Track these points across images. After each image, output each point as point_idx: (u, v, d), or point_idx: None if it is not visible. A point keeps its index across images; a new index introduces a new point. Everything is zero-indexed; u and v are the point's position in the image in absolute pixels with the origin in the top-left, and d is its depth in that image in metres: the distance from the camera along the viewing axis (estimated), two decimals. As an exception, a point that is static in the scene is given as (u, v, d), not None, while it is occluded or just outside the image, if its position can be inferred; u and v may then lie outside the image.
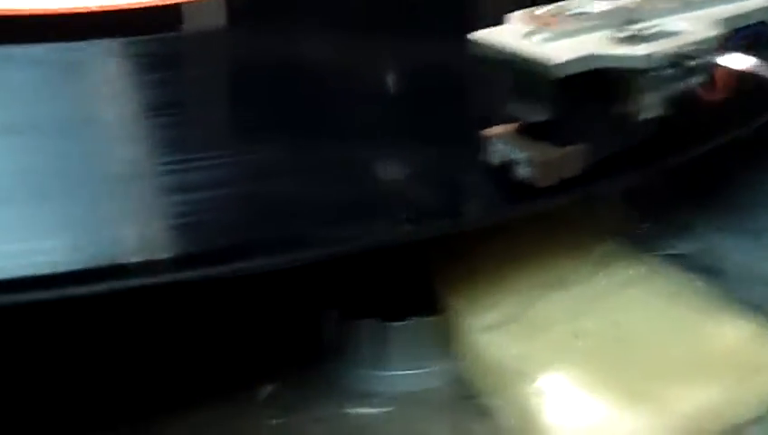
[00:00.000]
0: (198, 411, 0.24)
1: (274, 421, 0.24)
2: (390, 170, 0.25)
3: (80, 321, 0.25)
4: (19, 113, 0.30)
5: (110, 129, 0.30)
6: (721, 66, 0.22)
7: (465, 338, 0.25)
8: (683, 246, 0.29)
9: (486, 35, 0.23)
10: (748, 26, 0.25)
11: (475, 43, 0.23)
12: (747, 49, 0.26)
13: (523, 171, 0.23)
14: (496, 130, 0.24)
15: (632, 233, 0.29)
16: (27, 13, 0.44)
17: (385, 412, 0.25)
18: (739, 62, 0.22)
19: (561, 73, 0.21)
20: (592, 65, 0.22)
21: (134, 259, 0.22)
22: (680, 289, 0.26)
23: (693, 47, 0.22)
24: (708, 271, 0.28)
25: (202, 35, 0.42)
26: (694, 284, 0.26)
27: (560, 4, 0.25)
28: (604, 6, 0.25)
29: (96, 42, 0.39)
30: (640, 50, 0.21)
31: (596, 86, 0.23)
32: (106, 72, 0.36)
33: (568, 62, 0.21)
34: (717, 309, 0.25)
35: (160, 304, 0.25)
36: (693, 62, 0.22)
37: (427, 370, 0.26)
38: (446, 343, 0.26)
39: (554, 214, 0.28)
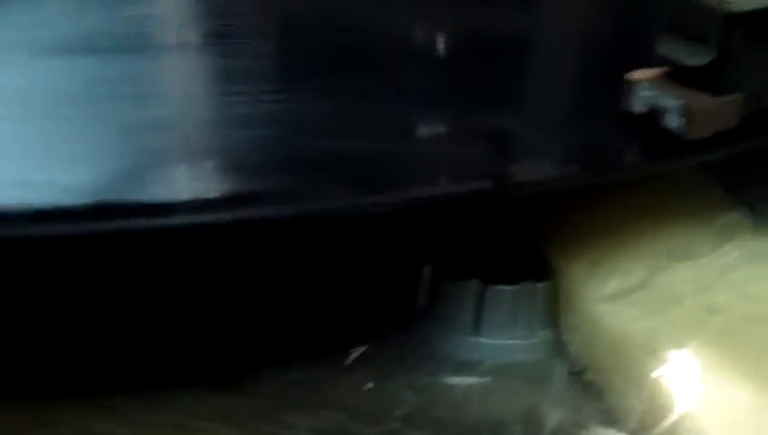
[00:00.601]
0: (287, 371, 0.22)
1: (367, 386, 0.22)
2: (512, 114, 0.22)
3: (164, 275, 0.23)
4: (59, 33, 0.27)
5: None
6: None
7: (579, 307, 0.23)
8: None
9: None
10: None
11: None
12: None
13: (672, 121, 0.20)
14: (642, 73, 0.21)
15: (752, 205, 0.27)
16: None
17: (484, 383, 0.23)
18: None
19: (739, 9, 0.18)
20: (775, 4, 0.19)
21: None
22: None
23: None
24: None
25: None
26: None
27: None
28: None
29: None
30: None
31: (762, 31, 0.20)
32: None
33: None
34: None
35: (249, 256, 0.23)
36: None
37: (531, 340, 0.23)
38: (554, 311, 0.24)
39: (671, 179, 0.25)
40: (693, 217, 0.25)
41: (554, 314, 0.23)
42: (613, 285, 0.22)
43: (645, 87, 0.21)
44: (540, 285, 0.23)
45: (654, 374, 0.21)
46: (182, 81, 0.26)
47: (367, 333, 0.23)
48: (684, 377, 0.21)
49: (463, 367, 0.23)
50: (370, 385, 0.22)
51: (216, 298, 0.23)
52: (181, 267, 0.23)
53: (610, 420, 0.21)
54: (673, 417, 0.20)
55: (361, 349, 0.22)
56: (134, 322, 0.22)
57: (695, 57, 0.20)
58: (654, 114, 0.21)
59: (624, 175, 0.21)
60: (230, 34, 0.28)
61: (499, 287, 0.23)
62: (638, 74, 0.21)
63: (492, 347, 0.23)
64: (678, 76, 0.21)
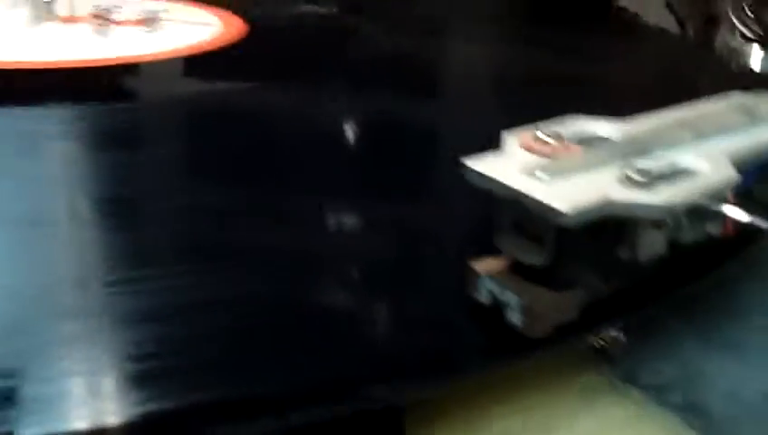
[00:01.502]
0: None
1: None
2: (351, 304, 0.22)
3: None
4: None
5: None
6: (733, 212, 0.20)
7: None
8: (668, 371, 0.28)
9: (484, 166, 0.20)
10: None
11: (471, 172, 0.20)
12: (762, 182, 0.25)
13: (514, 317, 0.21)
14: (486, 264, 0.21)
15: (614, 359, 0.27)
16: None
17: None
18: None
19: (573, 223, 0.19)
20: (606, 213, 0.19)
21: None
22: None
23: (710, 192, 0.20)
24: (694, 409, 0.26)
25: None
26: (687, 431, 0.24)
27: (558, 125, 0.23)
28: (606, 129, 0.23)
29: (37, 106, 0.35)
30: (658, 198, 0.19)
31: (596, 228, 0.20)
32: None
33: (581, 212, 0.19)
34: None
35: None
36: (708, 209, 0.20)
37: None
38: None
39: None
40: (552, 380, 0.25)
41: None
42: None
43: (487, 279, 0.21)
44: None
45: None
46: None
47: None
48: None
49: None
50: None
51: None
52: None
53: None
54: None
55: None
56: None
57: (532, 256, 0.20)
58: (498, 307, 0.21)
59: (469, 376, 0.21)
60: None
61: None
62: (482, 266, 0.21)
63: None
64: (520, 268, 0.21)
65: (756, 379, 0.27)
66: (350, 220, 0.27)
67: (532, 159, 0.20)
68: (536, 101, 0.40)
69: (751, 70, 0.44)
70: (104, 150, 0.33)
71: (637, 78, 0.42)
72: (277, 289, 0.23)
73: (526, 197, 0.19)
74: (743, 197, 0.21)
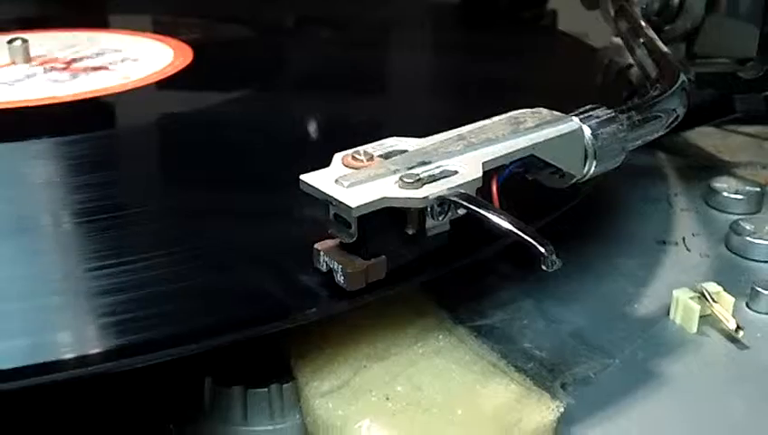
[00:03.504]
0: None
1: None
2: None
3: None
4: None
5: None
6: (481, 202, 0.29)
7: (305, 401, 0.32)
8: (495, 314, 0.37)
9: (311, 178, 0.30)
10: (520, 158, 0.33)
11: (303, 183, 0.30)
12: (522, 174, 0.34)
13: (339, 278, 0.30)
14: (325, 244, 0.31)
15: (453, 307, 0.37)
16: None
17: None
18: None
19: (359, 214, 0.29)
20: (383, 205, 0.29)
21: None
22: (475, 358, 0.34)
23: (462, 188, 0.29)
24: (506, 339, 0.36)
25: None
26: (489, 353, 0.34)
27: (377, 143, 0.32)
28: (408, 145, 0.32)
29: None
30: (419, 193, 0.29)
31: (392, 214, 0.30)
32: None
33: (363, 205, 0.28)
34: (499, 374, 0.33)
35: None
36: (459, 199, 0.29)
37: (286, 425, 0.34)
38: (296, 404, 0.33)
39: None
40: (397, 324, 0.35)
41: (296, 406, 0.33)
42: (326, 384, 0.32)
43: (323, 254, 0.31)
44: (284, 385, 0.33)
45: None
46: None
47: (160, 430, 0.32)
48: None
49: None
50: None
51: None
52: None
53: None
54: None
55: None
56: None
57: (346, 237, 0.30)
58: (331, 273, 0.31)
59: (315, 315, 0.31)
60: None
61: (254, 390, 0.33)
62: (321, 245, 0.31)
63: (253, 433, 0.33)
64: (345, 245, 0.31)
65: (567, 321, 0.37)
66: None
67: (345, 171, 0.30)
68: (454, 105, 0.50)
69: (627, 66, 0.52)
70: (91, 172, 0.42)
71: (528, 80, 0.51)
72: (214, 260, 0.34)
73: (330, 197, 0.29)
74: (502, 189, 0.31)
